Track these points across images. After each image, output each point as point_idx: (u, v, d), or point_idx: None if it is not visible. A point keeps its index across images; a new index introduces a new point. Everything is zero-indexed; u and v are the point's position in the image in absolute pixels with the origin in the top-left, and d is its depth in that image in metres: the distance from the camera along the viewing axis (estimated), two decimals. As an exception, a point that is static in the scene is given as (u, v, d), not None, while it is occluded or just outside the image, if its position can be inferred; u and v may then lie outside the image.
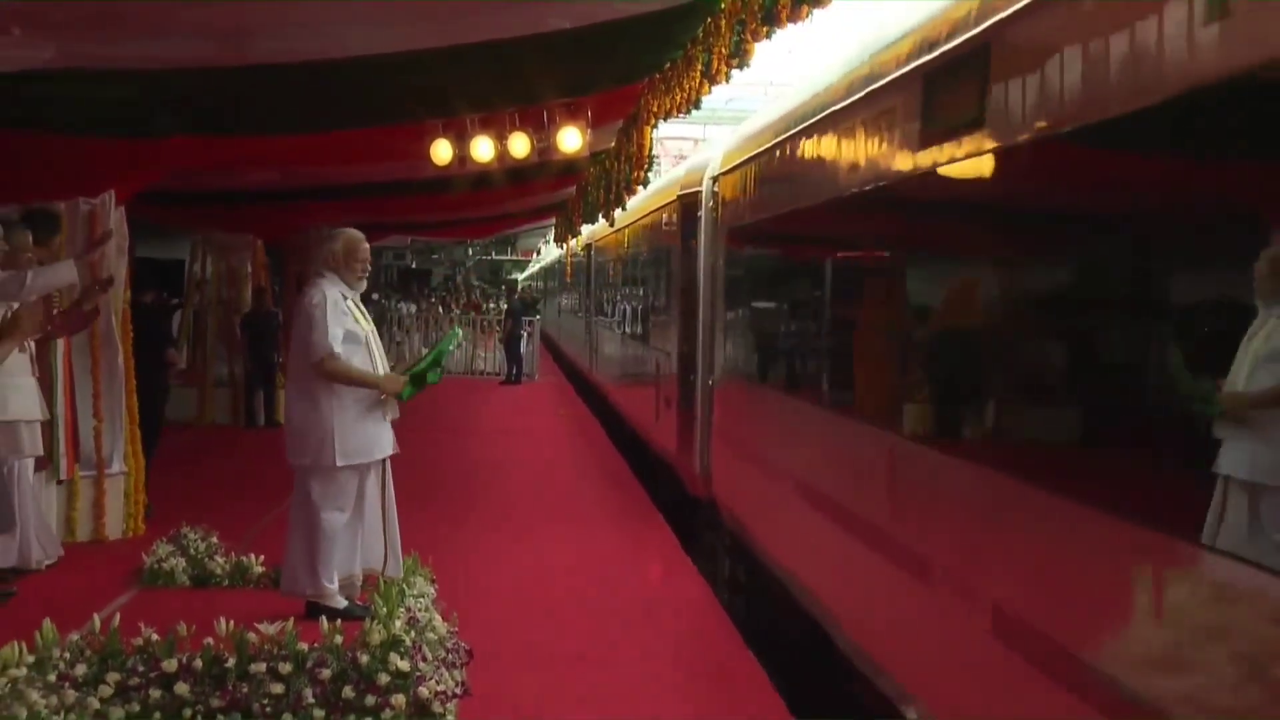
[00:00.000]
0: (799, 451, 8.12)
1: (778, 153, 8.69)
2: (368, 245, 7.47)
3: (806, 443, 7.93)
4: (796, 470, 8.09)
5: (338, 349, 7.12)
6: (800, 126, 8.03)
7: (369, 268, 7.44)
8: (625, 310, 18.96)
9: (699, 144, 22.60)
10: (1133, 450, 4.10)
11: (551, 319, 36.54)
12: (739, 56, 7.09)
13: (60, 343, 9.19)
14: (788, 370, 9.00)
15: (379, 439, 7.32)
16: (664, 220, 14.03)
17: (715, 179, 11.19)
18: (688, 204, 12.40)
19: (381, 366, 7.34)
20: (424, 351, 8.18)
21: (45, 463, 8.79)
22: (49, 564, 8.45)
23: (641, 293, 17.02)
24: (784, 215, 8.46)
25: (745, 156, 9.83)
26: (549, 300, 39.74)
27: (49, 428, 8.81)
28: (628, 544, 10.16)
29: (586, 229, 19.80)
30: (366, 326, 7.35)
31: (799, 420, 8.15)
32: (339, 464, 7.17)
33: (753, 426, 9.64)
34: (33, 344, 7.84)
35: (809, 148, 7.83)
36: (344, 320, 7.19)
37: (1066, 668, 4.22)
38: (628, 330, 18.33)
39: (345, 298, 7.29)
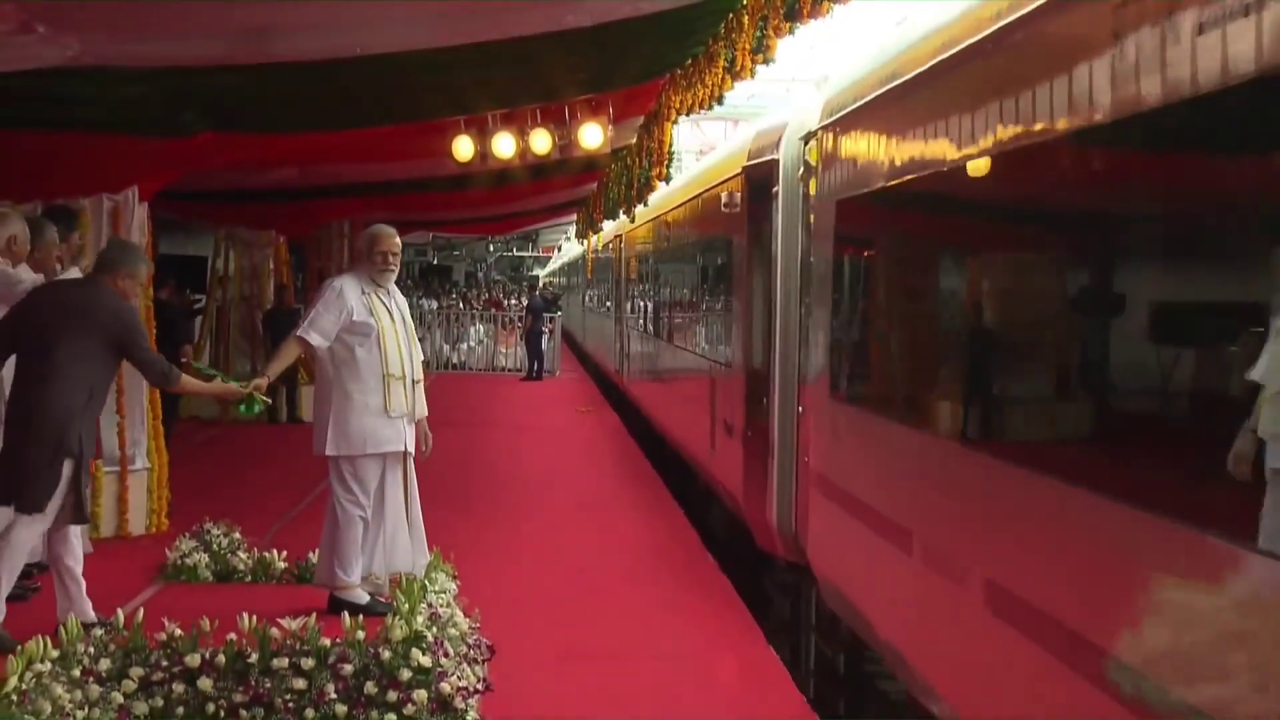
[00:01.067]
0: (992, 525, 5.13)
1: (973, 68, 5.42)
2: (395, 239, 7.52)
3: (1004, 513, 5.02)
4: (985, 552, 5.18)
5: (314, 339, 7.21)
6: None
7: (393, 260, 7.46)
8: (665, 311, 16.38)
9: (738, 124, 21.00)
10: None
11: (575, 316, 36.11)
12: (762, 52, 7.09)
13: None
14: (969, 403, 5.68)
15: (376, 433, 7.29)
16: (722, 201, 11.23)
17: (810, 138, 8.31)
18: (757, 178, 9.86)
19: (396, 362, 7.32)
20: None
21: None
22: (73, 559, 8.49)
23: (687, 290, 14.37)
24: (999, 158, 5.12)
25: (880, 90, 6.67)
26: (570, 297, 39.44)
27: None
28: (652, 541, 10.15)
29: (610, 224, 19.44)
30: (385, 321, 7.35)
31: (985, 478, 5.19)
32: (328, 453, 7.25)
33: (890, 478, 6.55)
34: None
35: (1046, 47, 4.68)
36: (354, 312, 7.23)
37: None
38: (668, 335, 15.65)
39: (365, 291, 7.32)
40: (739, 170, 10.42)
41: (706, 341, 12.52)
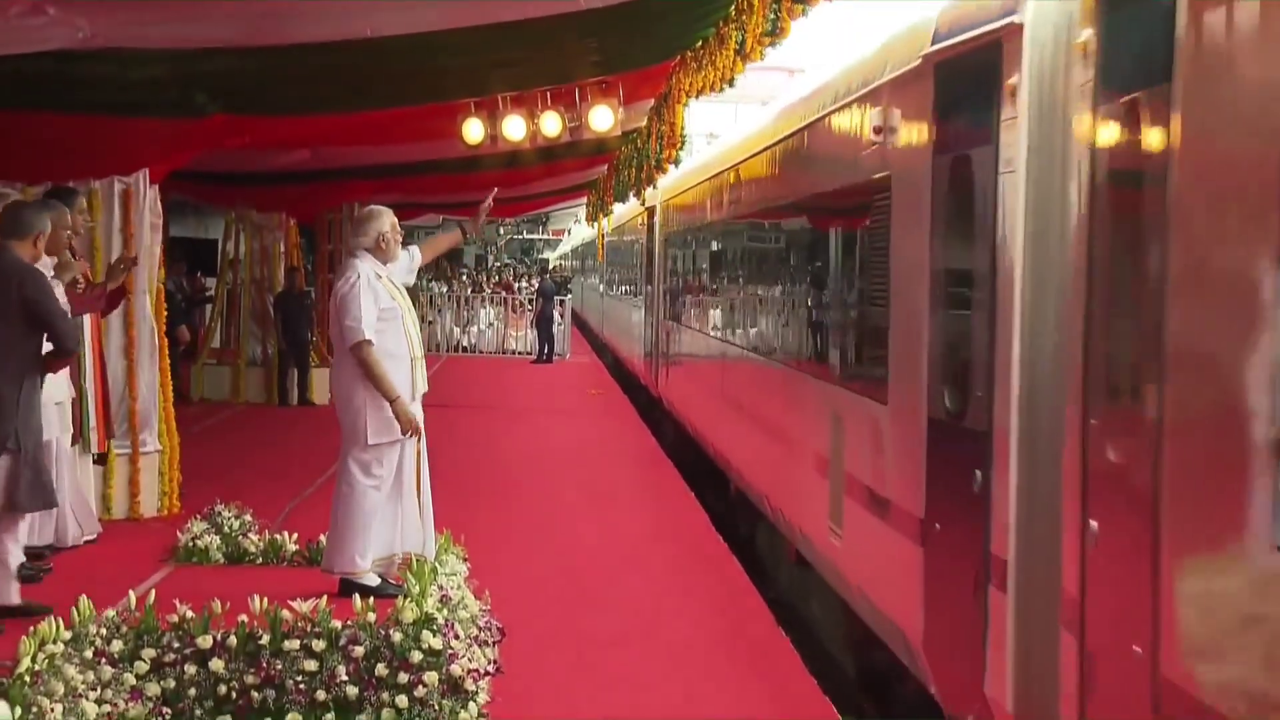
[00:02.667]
0: None
1: None
2: None
3: None
4: None
5: (371, 335, 7.14)
6: None
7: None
8: (737, 300, 12.17)
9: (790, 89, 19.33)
10: None
11: (590, 301, 35.35)
12: (774, 34, 7.06)
13: (87, 319, 9.17)
14: None
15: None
16: (871, 125, 7.11)
17: None
18: (962, 71, 5.77)
19: (416, 343, 7.36)
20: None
21: (76, 437, 8.83)
22: (88, 539, 8.51)
23: (786, 271, 10.03)
24: None
25: None
26: (584, 280, 38.99)
27: (79, 403, 8.83)
28: (662, 525, 10.16)
29: (621, 207, 19.04)
30: (403, 302, 7.38)
31: None
32: (371, 441, 7.21)
33: None
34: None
35: None
36: (380, 298, 7.22)
37: None
38: (745, 336, 11.55)
39: (379, 275, 7.32)
40: (916, 61, 6.26)
41: (826, 353, 8.45)
